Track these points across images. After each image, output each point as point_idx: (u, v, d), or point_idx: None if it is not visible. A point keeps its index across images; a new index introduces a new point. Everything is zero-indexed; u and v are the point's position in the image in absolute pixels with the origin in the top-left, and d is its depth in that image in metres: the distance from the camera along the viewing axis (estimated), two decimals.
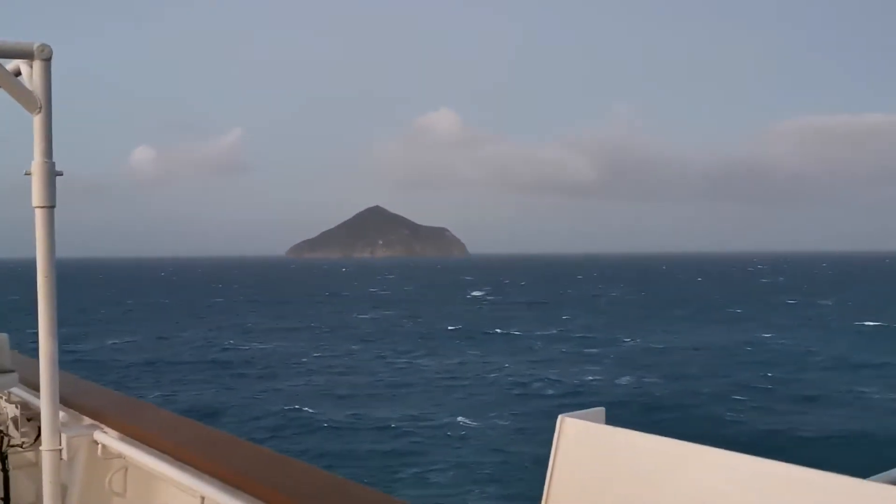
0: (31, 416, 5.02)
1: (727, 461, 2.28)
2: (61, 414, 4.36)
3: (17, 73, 4.02)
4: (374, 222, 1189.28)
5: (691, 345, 75.51)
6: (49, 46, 3.97)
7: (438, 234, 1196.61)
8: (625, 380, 56.28)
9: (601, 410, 2.87)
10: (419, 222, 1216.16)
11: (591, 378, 57.62)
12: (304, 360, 64.92)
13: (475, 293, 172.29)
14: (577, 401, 50.77)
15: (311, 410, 42.17)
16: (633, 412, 42.93)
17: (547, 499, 2.73)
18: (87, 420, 4.77)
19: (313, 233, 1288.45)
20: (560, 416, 2.81)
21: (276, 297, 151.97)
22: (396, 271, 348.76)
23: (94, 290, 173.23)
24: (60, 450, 4.20)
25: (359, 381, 54.07)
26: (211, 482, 3.54)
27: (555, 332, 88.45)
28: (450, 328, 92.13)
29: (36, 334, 4.12)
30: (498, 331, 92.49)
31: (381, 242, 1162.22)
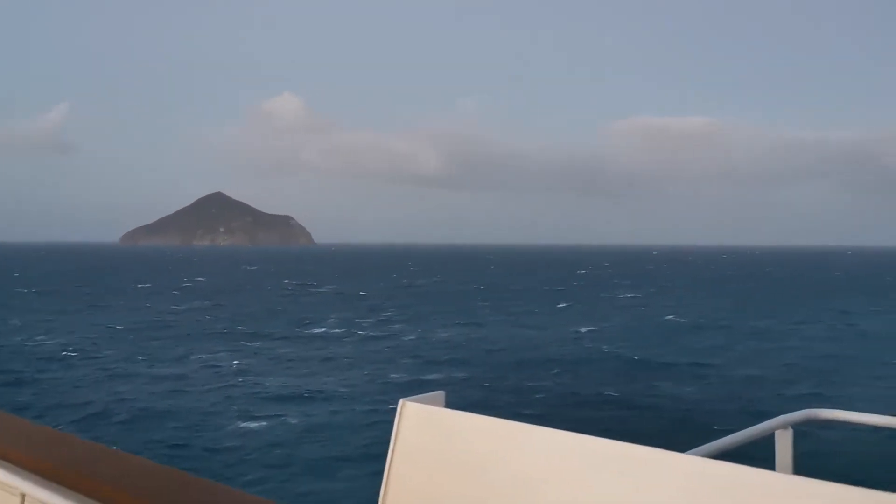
0: None
1: (559, 439, 2.44)
2: None
3: None
4: (216, 209, 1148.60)
5: (489, 334, 76.41)
6: None
7: (283, 223, 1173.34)
8: (440, 368, 55.43)
9: (441, 394, 2.93)
10: (263, 210, 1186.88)
11: (404, 371, 55.89)
12: (65, 357, 59.45)
13: (300, 283, 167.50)
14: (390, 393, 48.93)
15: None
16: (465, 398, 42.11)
17: (387, 483, 2.77)
18: None
19: (150, 218, 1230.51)
20: (401, 401, 2.87)
21: (67, 287, 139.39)
22: (224, 262, 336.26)
23: None
24: None
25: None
26: (31, 478, 3.28)
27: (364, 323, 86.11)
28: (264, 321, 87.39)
29: None
30: (308, 323, 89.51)
31: (222, 230, 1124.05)
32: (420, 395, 2.91)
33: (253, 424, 38.26)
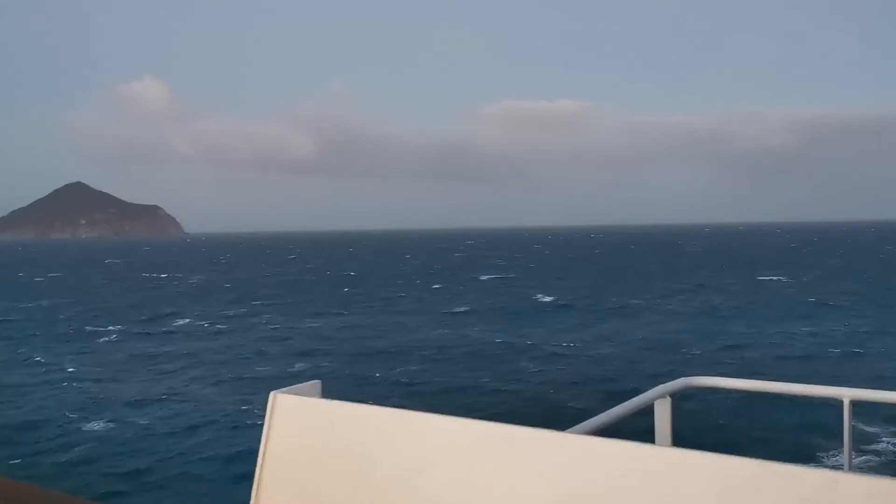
0: None
1: (441, 424, 2.39)
2: None
3: None
4: (76, 200, 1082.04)
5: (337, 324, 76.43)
6: None
7: (150, 213, 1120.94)
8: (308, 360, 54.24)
9: (317, 384, 2.80)
10: (128, 200, 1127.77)
11: (272, 362, 54.64)
12: None
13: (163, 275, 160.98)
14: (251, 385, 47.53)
15: None
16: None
17: (259, 482, 2.63)
18: None
19: (2, 211, 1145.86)
20: (272, 393, 2.69)
21: None
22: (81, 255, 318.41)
23: None
24: None
25: None
26: None
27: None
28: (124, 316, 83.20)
29: None
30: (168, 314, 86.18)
31: (83, 222, 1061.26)
32: (293, 386, 2.73)
33: (109, 429, 36.07)
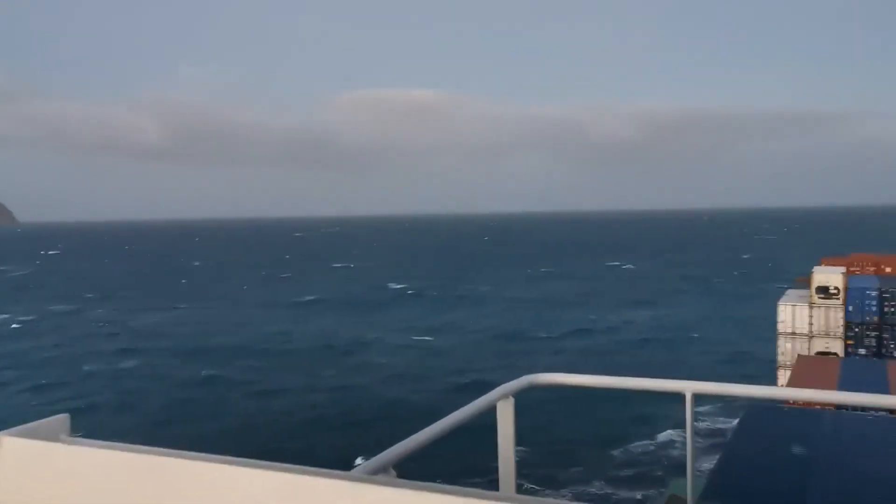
0: None
1: (205, 471, 2.03)
2: None
3: None
4: None
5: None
6: None
7: None
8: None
9: (63, 419, 2.28)
10: None
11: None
12: None
13: None
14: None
15: None
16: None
17: None
18: None
19: None
20: None
21: None
22: None
23: None
24: None
25: None
26: None
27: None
28: None
29: None
30: None
31: None
32: (29, 425, 2.19)
33: None
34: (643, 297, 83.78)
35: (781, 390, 4.13)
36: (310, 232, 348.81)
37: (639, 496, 28.46)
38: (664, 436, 34.31)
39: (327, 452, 31.28)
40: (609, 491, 29.23)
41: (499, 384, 4.01)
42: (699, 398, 4.06)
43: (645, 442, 34.23)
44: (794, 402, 4.12)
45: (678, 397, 4.11)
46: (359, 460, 30.46)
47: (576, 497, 27.97)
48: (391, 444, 3.07)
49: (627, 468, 31.55)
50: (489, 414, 3.89)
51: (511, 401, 3.99)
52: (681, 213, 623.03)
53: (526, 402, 4.11)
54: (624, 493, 29.06)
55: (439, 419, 3.49)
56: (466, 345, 58.89)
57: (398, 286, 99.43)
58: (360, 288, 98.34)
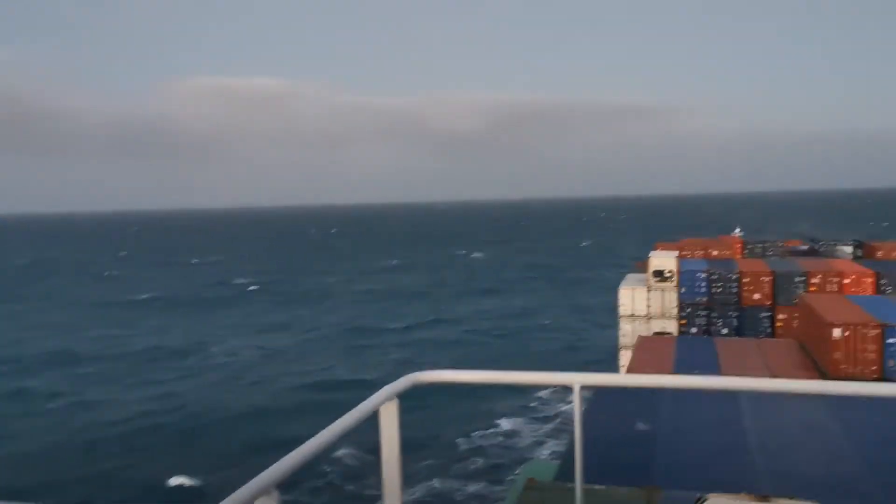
0: None
1: None
2: None
3: None
4: None
5: None
6: None
7: None
8: None
9: None
10: None
11: None
12: None
13: None
14: None
15: None
16: None
17: None
18: None
19: None
20: None
21: None
22: None
23: None
24: None
25: None
26: None
27: None
28: None
29: None
30: None
31: None
32: None
33: None
34: (491, 286, 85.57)
35: (664, 378, 4.07)
36: (147, 225, 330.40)
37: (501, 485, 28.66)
38: (550, 428, 34.74)
39: (144, 475, 28.83)
40: (473, 484, 29.24)
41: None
42: (587, 389, 4.11)
43: (533, 436, 34.39)
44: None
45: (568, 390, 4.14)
46: (181, 482, 28.24)
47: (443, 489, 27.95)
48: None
49: (483, 458, 31.75)
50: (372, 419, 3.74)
51: (395, 402, 3.87)
52: (521, 203, 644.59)
53: (411, 402, 3.97)
54: (485, 482, 29.24)
55: (320, 430, 3.28)
56: (316, 342, 57.28)
57: (242, 281, 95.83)
58: (202, 284, 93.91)
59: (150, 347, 54.91)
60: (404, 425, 3.84)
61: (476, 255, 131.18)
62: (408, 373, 4.20)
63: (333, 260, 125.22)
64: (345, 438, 3.34)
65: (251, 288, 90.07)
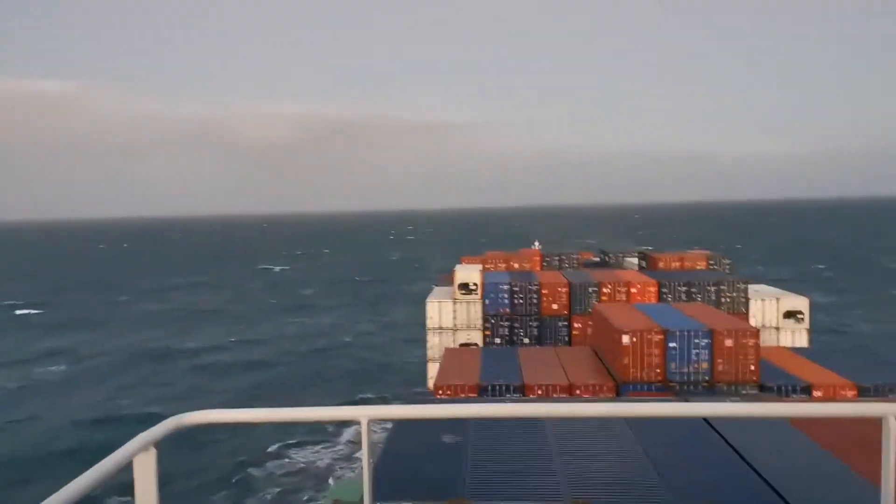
0: None
1: None
2: None
3: None
4: None
5: None
6: None
7: None
8: None
9: None
10: None
11: None
12: None
13: None
14: None
15: None
16: None
17: None
18: None
19: None
20: None
21: None
22: None
23: None
24: None
25: None
26: None
27: None
28: None
29: None
30: None
31: None
32: None
33: None
34: (296, 303, 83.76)
35: (453, 407, 3.99)
36: None
37: None
38: (334, 464, 33.68)
39: None
40: None
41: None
42: (375, 423, 4.04)
43: (318, 474, 33.11)
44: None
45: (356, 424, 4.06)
46: None
47: None
48: None
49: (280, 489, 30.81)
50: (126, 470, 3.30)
51: (152, 452, 3.43)
52: (330, 216, 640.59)
53: (173, 448, 3.35)
54: None
55: (59, 488, 2.84)
56: (94, 371, 52.24)
57: (10, 303, 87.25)
58: None
59: None
60: (180, 471, 3.41)
61: (279, 269, 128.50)
62: (180, 411, 3.78)
63: (124, 278, 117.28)
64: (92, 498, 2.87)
65: (21, 312, 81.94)
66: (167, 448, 3.42)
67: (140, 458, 3.41)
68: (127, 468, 3.33)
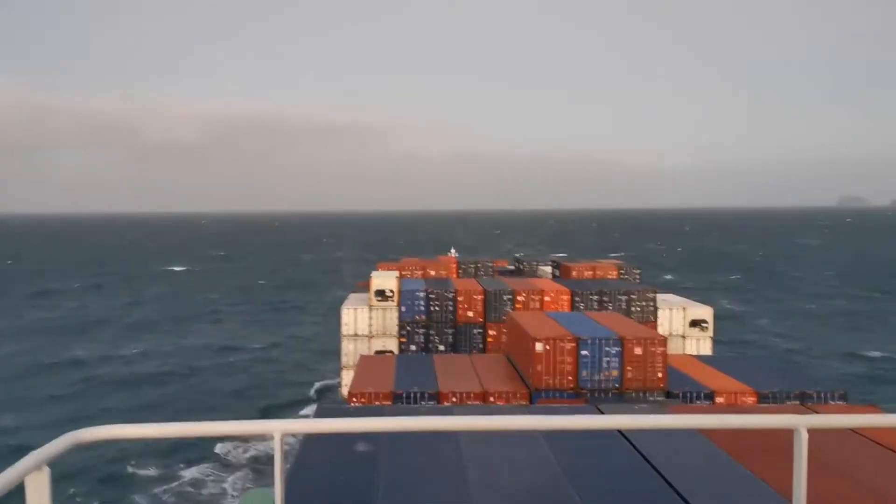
0: None
1: None
2: None
3: None
4: None
5: None
6: None
7: None
8: None
9: None
10: None
11: None
12: None
13: None
14: None
15: None
16: None
17: None
18: None
19: None
20: None
21: None
22: None
23: None
24: None
25: None
26: None
27: None
28: None
29: None
30: None
31: None
32: None
33: None
34: (199, 310, 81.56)
35: (366, 421, 4.04)
36: None
37: None
38: (252, 477, 32.97)
39: None
40: None
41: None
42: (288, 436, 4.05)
43: (235, 486, 32.37)
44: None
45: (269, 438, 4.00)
46: None
47: None
48: None
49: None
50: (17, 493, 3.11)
51: (45, 472, 3.23)
52: (240, 216, 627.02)
53: (70, 467, 3.27)
54: None
55: None
56: None
57: None
58: None
59: None
60: (80, 490, 3.43)
61: (181, 270, 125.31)
62: (73, 428, 3.53)
63: (2, 280, 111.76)
64: None
65: None
66: (62, 467, 3.24)
67: (32, 477, 3.22)
68: (18, 489, 3.15)
